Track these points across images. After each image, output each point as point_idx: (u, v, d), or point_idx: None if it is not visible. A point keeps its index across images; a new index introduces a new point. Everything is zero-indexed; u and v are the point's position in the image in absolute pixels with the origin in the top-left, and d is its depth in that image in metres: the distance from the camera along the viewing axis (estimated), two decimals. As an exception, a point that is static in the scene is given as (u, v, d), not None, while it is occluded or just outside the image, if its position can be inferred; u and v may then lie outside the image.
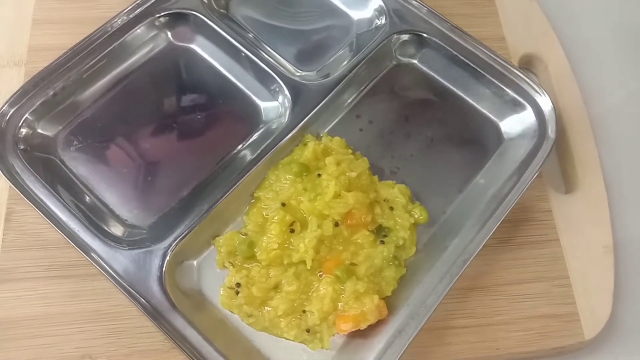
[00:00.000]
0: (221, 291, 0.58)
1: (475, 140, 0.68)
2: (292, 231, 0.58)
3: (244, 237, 0.59)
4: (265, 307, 0.57)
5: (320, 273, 0.58)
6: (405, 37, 0.70)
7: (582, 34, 0.81)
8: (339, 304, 0.56)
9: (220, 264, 0.59)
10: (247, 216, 0.61)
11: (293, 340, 0.56)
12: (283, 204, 0.59)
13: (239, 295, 0.57)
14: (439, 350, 0.59)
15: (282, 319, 0.56)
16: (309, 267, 0.57)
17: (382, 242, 0.60)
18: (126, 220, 0.60)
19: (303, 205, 0.59)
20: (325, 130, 0.67)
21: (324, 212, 0.58)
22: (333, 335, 0.56)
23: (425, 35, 0.69)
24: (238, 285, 0.57)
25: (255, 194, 0.62)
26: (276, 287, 0.57)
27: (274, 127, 0.66)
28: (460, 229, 0.60)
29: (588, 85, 0.75)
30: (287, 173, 0.61)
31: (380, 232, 0.61)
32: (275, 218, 0.58)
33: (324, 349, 0.56)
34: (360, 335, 0.56)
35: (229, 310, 0.57)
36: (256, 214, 0.60)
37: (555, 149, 0.70)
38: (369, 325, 0.55)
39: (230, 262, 0.58)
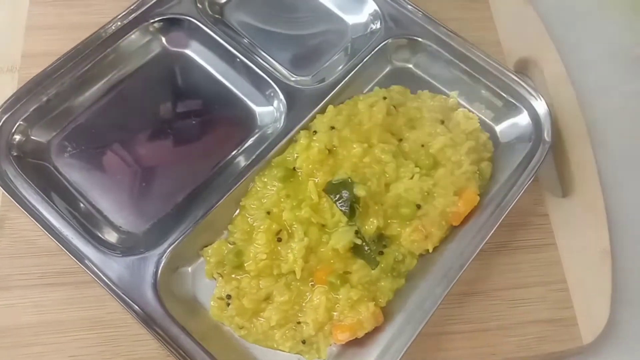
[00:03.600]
0: (212, 302, 0.57)
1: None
2: (280, 240, 0.57)
3: (231, 246, 0.58)
4: (258, 318, 0.56)
5: (312, 283, 0.57)
6: (400, 41, 0.70)
7: (577, 38, 0.81)
8: (334, 313, 0.56)
9: (209, 274, 0.58)
10: (233, 225, 0.60)
11: (289, 352, 0.56)
12: (268, 213, 0.58)
13: (230, 307, 0.56)
14: (436, 356, 0.58)
15: (276, 331, 0.56)
16: (298, 277, 0.56)
17: (381, 253, 0.58)
18: (120, 226, 0.60)
19: (285, 214, 0.58)
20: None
21: (311, 219, 0.57)
22: (330, 345, 0.56)
23: (420, 39, 0.69)
24: (229, 297, 0.56)
25: (241, 203, 0.60)
26: (267, 299, 0.57)
27: (269, 132, 0.65)
28: (457, 233, 0.60)
29: (584, 88, 0.75)
30: (273, 179, 0.60)
31: (381, 242, 0.59)
32: (262, 227, 0.57)
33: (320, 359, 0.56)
34: (356, 342, 0.55)
35: (220, 322, 0.57)
36: (241, 222, 0.59)
37: (551, 153, 0.70)
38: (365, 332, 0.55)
39: (218, 273, 0.58)
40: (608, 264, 0.63)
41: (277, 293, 0.56)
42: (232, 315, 0.56)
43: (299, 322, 0.56)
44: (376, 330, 0.55)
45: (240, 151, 0.65)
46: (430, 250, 0.59)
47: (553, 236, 0.64)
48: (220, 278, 0.57)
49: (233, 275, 0.57)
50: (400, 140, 0.63)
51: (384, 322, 0.56)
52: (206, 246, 0.59)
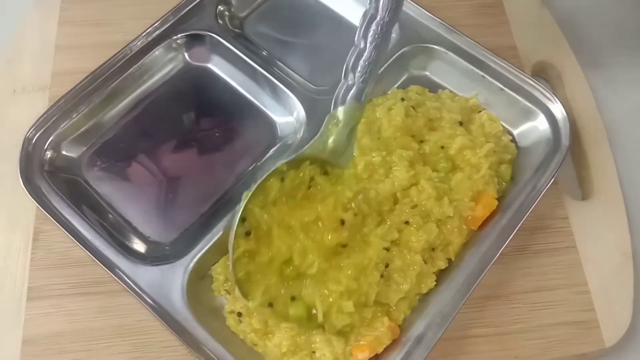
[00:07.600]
0: (225, 315, 0.57)
1: (490, 149, 0.68)
2: None
3: None
4: (271, 340, 0.55)
5: None
6: (416, 49, 0.71)
7: (594, 40, 0.80)
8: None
9: (217, 291, 0.58)
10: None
11: None
12: None
13: (242, 324, 0.56)
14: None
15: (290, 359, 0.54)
16: None
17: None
18: (149, 237, 0.62)
19: None
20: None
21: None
22: None
23: (436, 47, 0.70)
24: (239, 314, 0.56)
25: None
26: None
27: (289, 142, 0.67)
28: (476, 237, 0.60)
29: (602, 90, 0.75)
30: None
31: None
32: None
33: None
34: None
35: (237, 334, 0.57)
36: None
37: (570, 156, 0.70)
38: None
39: (226, 290, 0.57)
40: (630, 267, 0.63)
41: None
42: (246, 330, 0.56)
43: (313, 352, 0.54)
44: (396, 338, 0.56)
45: (261, 162, 0.66)
46: (452, 259, 0.59)
47: (573, 239, 0.64)
48: (228, 295, 0.57)
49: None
50: (421, 142, 0.64)
51: (405, 328, 0.56)
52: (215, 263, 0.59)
